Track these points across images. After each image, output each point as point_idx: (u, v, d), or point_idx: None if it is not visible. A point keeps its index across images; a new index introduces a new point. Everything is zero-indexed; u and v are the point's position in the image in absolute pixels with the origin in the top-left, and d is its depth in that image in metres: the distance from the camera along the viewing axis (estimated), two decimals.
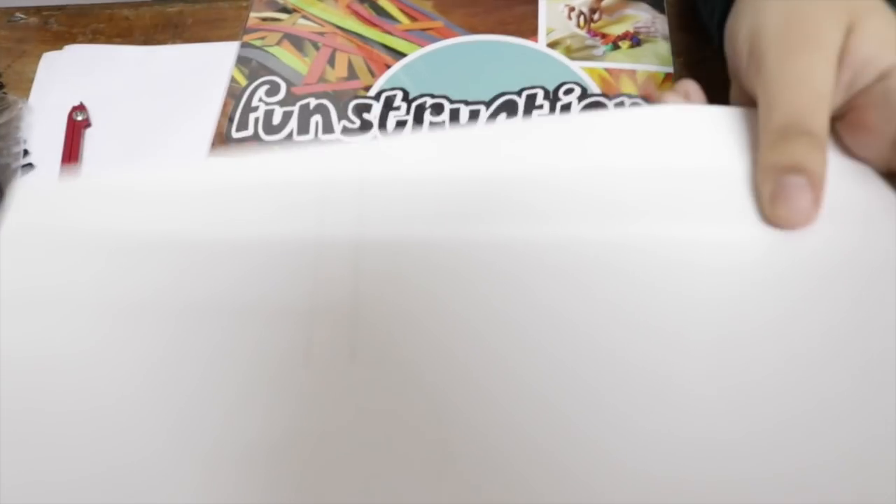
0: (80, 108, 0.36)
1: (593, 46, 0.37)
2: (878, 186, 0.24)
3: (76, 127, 0.35)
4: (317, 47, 0.38)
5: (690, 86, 0.27)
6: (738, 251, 0.23)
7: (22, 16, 0.40)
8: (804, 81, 0.23)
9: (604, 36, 0.37)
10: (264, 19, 0.39)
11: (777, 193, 0.22)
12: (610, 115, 0.28)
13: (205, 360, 0.21)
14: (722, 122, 0.26)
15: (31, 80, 0.37)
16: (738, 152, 0.25)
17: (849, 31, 0.24)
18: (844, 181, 0.24)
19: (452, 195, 0.24)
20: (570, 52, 0.37)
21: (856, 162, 0.25)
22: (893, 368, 0.20)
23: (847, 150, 0.25)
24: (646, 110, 0.27)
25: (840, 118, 0.25)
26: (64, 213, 0.25)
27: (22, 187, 0.25)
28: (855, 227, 0.23)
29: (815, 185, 0.22)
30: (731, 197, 0.24)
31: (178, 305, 0.22)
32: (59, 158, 0.35)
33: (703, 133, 0.25)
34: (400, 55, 0.37)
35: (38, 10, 0.40)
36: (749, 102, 0.26)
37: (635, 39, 0.37)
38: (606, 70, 0.36)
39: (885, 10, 0.24)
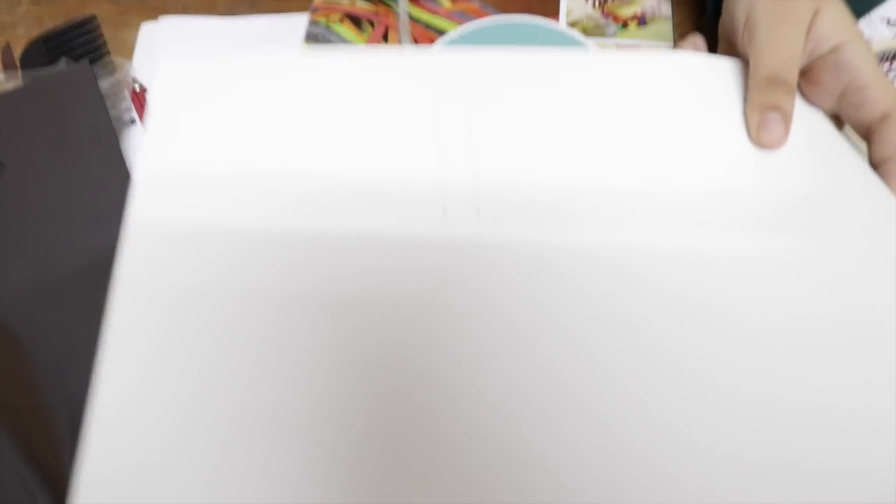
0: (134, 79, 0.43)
1: (605, 26, 0.44)
2: (825, 124, 0.33)
3: (137, 96, 0.42)
4: (372, 25, 0.45)
5: (698, 39, 0.37)
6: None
7: None
8: (783, 47, 0.32)
9: (615, 17, 0.44)
10: (328, 1, 0.46)
11: (761, 124, 0.31)
12: (634, 58, 0.35)
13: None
14: (720, 67, 0.34)
15: (132, 47, 0.45)
16: (731, 92, 0.34)
17: (815, 14, 0.32)
18: (803, 119, 0.32)
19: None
20: (586, 31, 0.44)
21: (810, 106, 0.34)
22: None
23: (805, 97, 0.34)
24: (666, 55, 0.35)
25: (802, 75, 0.33)
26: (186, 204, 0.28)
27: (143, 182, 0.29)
28: (808, 155, 0.31)
29: (787, 119, 0.31)
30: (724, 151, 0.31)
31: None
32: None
33: (705, 76, 0.34)
34: (442, 32, 0.44)
35: None
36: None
37: (642, 20, 0.44)
38: (617, 46, 0.43)
39: (840, 1, 0.33)
